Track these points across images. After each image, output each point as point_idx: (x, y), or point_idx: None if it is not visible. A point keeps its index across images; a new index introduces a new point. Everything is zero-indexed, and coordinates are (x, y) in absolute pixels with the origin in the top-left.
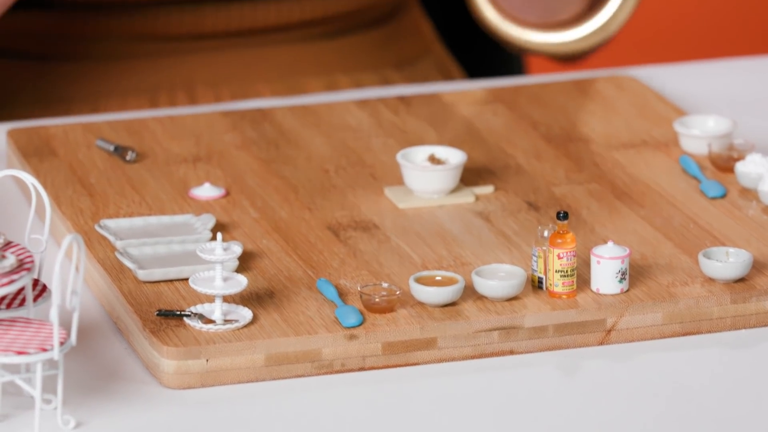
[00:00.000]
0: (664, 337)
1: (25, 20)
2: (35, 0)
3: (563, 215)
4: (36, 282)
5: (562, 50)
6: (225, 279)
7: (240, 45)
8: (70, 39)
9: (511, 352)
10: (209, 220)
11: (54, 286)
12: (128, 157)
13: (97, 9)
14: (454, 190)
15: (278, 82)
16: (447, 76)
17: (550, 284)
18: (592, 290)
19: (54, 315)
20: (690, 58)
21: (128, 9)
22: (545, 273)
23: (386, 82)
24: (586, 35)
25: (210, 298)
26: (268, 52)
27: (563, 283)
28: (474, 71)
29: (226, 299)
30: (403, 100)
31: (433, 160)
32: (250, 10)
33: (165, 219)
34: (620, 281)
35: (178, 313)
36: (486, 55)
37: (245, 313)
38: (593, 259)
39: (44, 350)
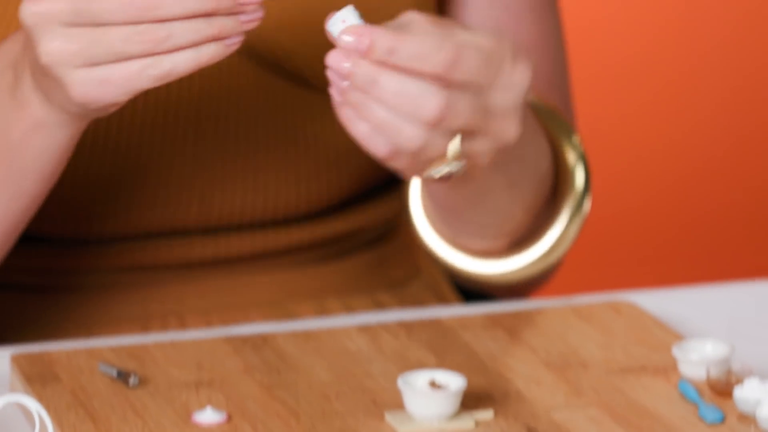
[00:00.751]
0: None
1: (22, 254)
2: (32, 235)
3: None
4: None
5: (492, 280)
6: None
7: (229, 272)
8: (63, 271)
9: None
10: None
11: None
12: (131, 382)
13: (88, 243)
14: (455, 415)
15: (268, 307)
16: (440, 298)
17: None
18: None
19: None
20: (688, 281)
21: (118, 242)
22: None
23: (378, 305)
24: (519, 268)
25: None
26: (257, 278)
27: None
28: (468, 289)
29: None
30: (403, 325)
31: (434, 385)
32: (238, 238)
33: None
34: None
35: None
36: None
37: None
38: None
39: None
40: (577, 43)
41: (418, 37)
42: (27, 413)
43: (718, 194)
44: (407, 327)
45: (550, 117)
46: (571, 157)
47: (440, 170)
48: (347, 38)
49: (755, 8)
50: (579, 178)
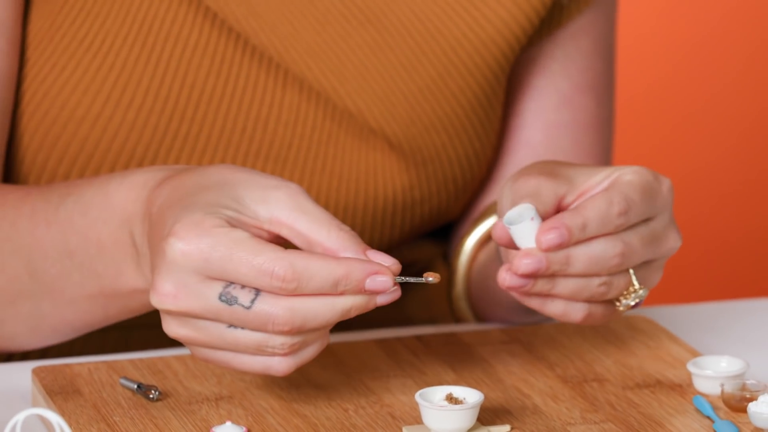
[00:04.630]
0: None
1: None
2: None
3: None
4: None
5: None
6: None
7: None
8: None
9: None
10: None
11: None
12: (151, 396)
13: None
14: (472, 430)
15: None
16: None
17: None
18: None
19: None
20: (704, 299)
21: None
22: None
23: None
24: None
25: None
26: None
27: None
28: None
29: None
30: (421, 339)
31: (451, 399)
32: None
33: None
34: None
35: None
36: None
37: None
38: None
39: None
40: None
41: (591, 204)
42: (49, 426)
43: (736, 214)
44: (425, 342)
45: None
46: None
47: (628, 303)
48: (549, 236)
49: None
50: None
